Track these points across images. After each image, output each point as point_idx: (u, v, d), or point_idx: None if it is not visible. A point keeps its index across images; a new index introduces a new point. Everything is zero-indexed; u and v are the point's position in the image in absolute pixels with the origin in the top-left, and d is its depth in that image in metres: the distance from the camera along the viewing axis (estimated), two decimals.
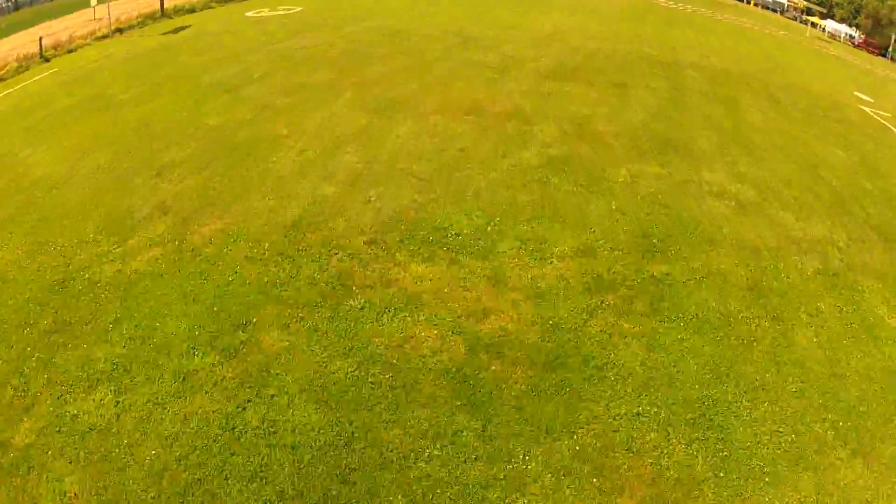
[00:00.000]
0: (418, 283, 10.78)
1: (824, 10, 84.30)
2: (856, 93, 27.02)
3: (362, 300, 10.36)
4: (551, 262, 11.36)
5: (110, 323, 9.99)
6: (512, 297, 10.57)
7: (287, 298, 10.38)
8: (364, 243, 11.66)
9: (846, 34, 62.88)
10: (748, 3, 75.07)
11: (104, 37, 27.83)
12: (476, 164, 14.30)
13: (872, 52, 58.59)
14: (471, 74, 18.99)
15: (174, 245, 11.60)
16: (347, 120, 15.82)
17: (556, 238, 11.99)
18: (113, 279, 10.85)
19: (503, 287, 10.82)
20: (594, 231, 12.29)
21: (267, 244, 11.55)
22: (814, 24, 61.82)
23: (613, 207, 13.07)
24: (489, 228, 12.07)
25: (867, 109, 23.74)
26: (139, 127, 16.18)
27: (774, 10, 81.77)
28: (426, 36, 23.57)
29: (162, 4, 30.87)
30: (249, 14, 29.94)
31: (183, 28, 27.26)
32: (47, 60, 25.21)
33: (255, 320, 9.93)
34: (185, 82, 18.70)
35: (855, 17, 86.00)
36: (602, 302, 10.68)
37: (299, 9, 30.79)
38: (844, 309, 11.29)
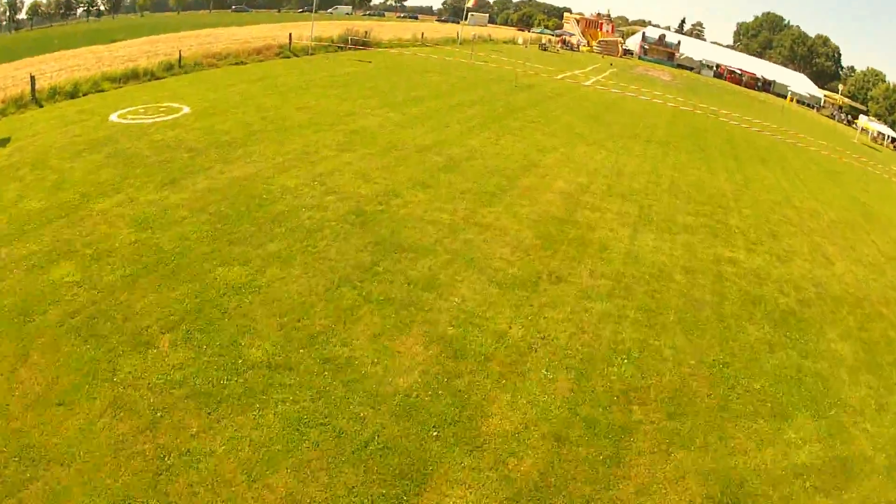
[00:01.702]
0: None
1: (864, 108, 77.37)
2: None
3: None
4: None
5: None
6: None
7: None
8: None
9: (887, 136, 55.54)
10: (786, 98, 68.08)
11: None
12: None
13: None
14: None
15: None
16: None
17: None
18: None
19: None
20: None
21: None
22: (863, 129, 54.57)
23: None
24: None
25: None
26: None
27: (811, 106, 74.75)
28: (322, 220, 11.22)
29: (33, 86, 21.26)
30: (114, 117, 19.80)
31: (7, 141, 16.49)
32: None
33: None
34: None
35: (891, 114, 78.29)
36: None
37: (184, 111, 19.60)
38: None
